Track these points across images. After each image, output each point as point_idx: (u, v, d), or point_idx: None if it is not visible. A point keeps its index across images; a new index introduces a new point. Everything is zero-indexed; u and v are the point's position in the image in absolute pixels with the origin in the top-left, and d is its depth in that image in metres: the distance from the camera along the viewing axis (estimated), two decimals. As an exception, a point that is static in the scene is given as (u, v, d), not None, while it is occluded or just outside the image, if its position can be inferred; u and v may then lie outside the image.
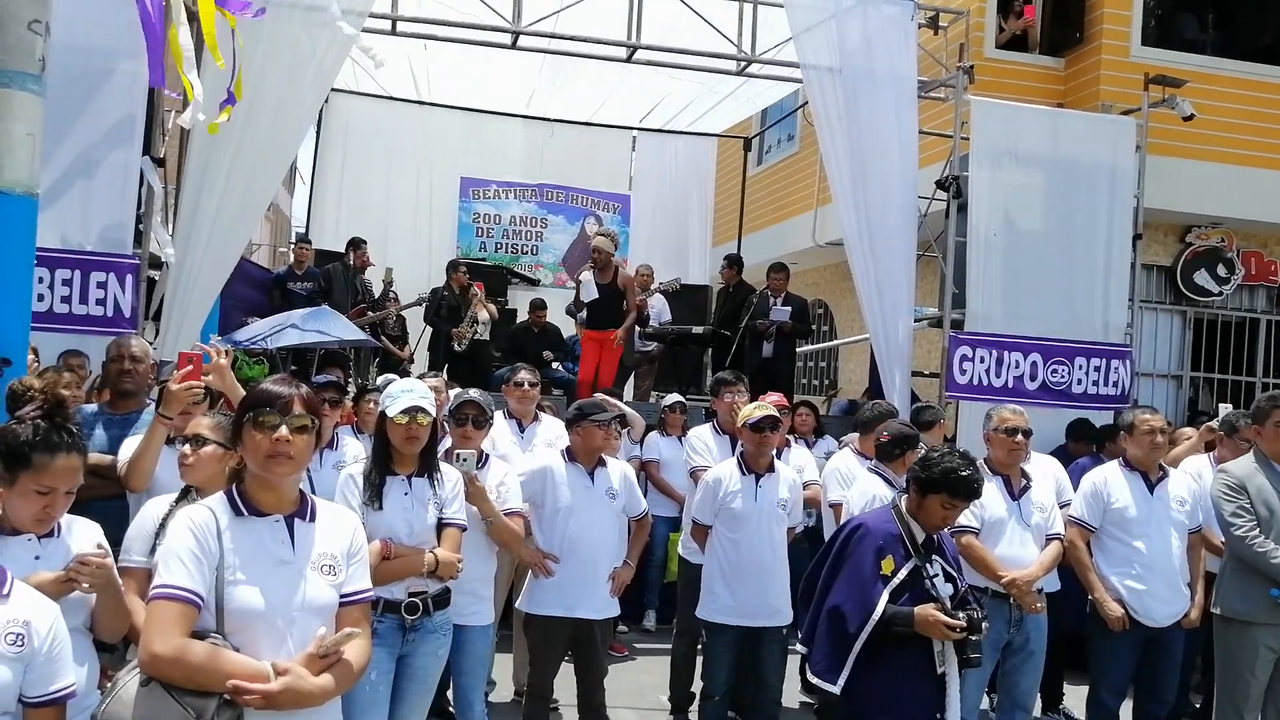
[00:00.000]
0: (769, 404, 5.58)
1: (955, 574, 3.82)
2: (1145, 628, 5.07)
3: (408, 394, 3.75)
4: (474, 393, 4.50)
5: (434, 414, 3.77)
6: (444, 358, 9.84)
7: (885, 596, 3.68)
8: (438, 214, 13.00)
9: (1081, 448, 7.72)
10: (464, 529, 3.85)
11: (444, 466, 3.89)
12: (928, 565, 3.75)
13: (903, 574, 3.72)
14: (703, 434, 6.47)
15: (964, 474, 3.70)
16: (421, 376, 6.41)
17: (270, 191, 7.47)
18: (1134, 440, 5.24)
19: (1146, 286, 10.62)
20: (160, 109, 7.11)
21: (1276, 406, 4.93)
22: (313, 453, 2.63)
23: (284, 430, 2.50)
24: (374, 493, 3.68)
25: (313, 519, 2.60)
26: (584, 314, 9.25)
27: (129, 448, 3.99)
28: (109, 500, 3.89)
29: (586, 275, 8.94)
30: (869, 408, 6.07)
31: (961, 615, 3.63)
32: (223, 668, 2.33)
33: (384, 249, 11.83)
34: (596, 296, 8.92)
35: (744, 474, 5.21)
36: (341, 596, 2.57)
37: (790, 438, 6.93)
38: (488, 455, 4.47)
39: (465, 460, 4.10)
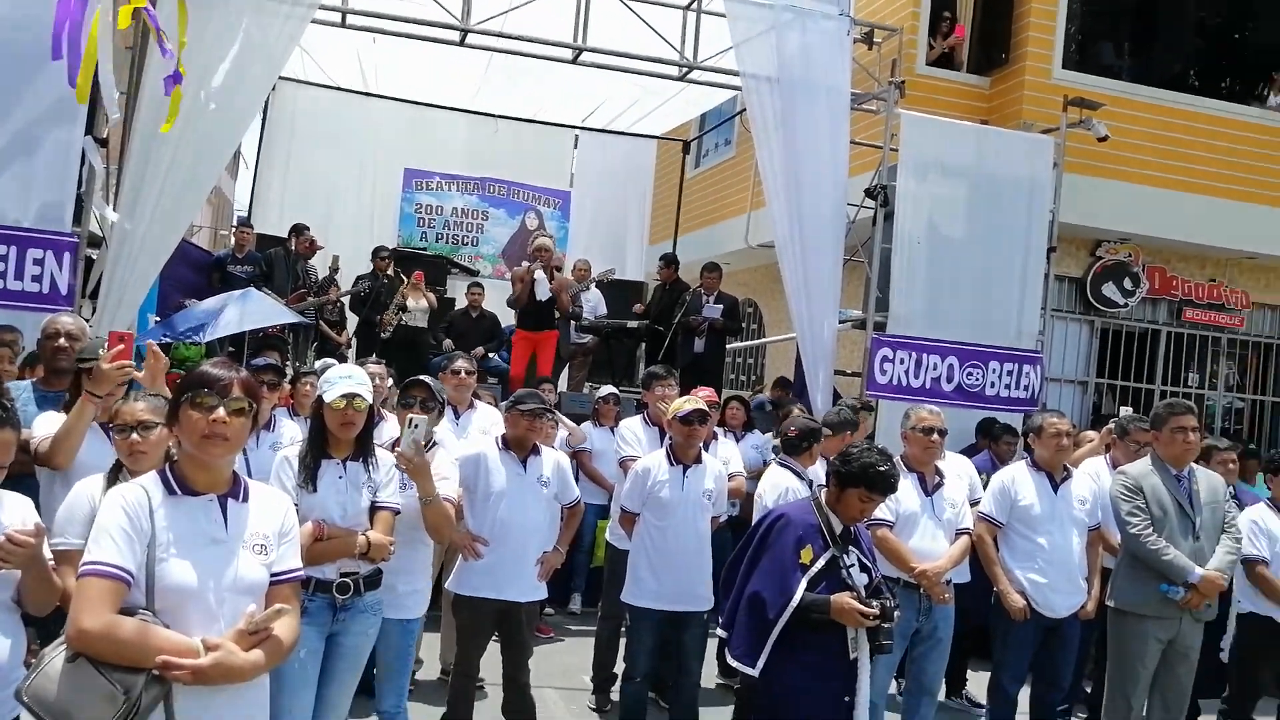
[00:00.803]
0: (699, 398, 5.63)
1: (870, 565, 3.89)
2: (1045, 618, 5.20)
3: (345, 380, 3.70)
4: (427, 377, 4.49)
5: (370, 400, 3.74)
6: (373, 345, 9.78)
7: (803, 584, 3.72)
8: (380, 203, 12.88)
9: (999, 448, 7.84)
10: (397, 513, 3.81)
11: (380, 452, 3.85)
12: (844, 555, 3.81)
13: (820, 563, 3.77)
14: (633, 425, 6.50)
15: (881, 469, 3.77)
16: (363, 363, 6.35)
17: (214, 176, 7.31)
18: (1041, 442, 5.36)
19: (1058, 296, 10.89)
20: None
21: (1174, 414, 5.08)
22: (249, 435, 2.61)
23: (221, 412, 2.48)
24: (308, 475, 3.64)
25: (245, 499, 2.58)
26: (513, 299, 9.27)
27: (42, 425, 3.87)
28: (20, 477, 3.78)
29: (540, 274, 8.93)
30: (836, 411, 6.14)
31: (875, 604, 3.70)
32: (152, 643, 2.30)
33: (326, 236, 11.63)
34: (550, 296, 8.94)
35: (672, 464, 5.25)
36: (272, 575, 2.55)
37: (718, 430, 6.99)
38: (435, 441, 4.40)
39: (417, 427, 3.90)
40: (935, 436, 5.13)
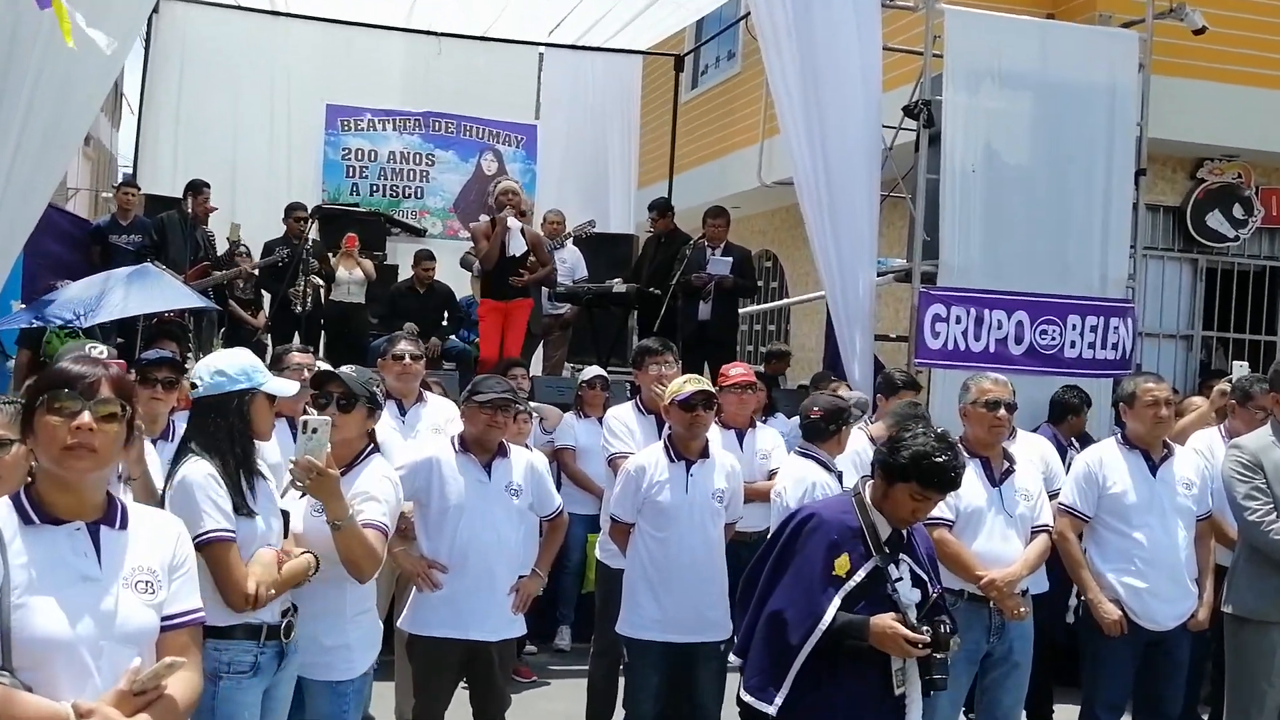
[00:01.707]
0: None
1: (927, 578, 3.87)
2: (1146, 631, 5.20)
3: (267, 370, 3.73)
4: (345, 369, 4.41)
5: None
6: (289, 326, 9.79)
7: (837, 602, 3.70)
8: (299, 150, 12.82)
9: (1070, 424, 7.81)
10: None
11: (264, 446, 3.87)
12: (892, 567, 3.79)
13: (860, 576, 3.74)
14: (623, 414, 6.47)
15: (939, 460, 3.72)
16: (285, 350, 6.31)
17: (84, 123, 7.27)
18: (1135, 413, 5.35)
19: (1151, 231, 10.88)
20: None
21: (1302, 370, 5.07)
22: (123, 446, 2.59)
23: (86, 417, 2.46)
24: (241, 496, 3.60)
25: (124, 525, 2.57)
26: (479, 268, 9.20)
27: None
28: None
29: (513, 222, 8.87)
30: (891, 374, 6.16)
31: (926, 628, 3.68)
32: (12, 713, 2.29)
33: (232, 194, 11.62)
34: (526, 248, 8.88)
35: (672, 461, 5.22)
36: (163, 619, 2.54)
37: (759, 418, 6.98)
38: (375, 446, 4.35)
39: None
40: (1002, 412, 5.11)
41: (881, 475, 3.85)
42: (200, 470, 3.52)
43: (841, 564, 3.75)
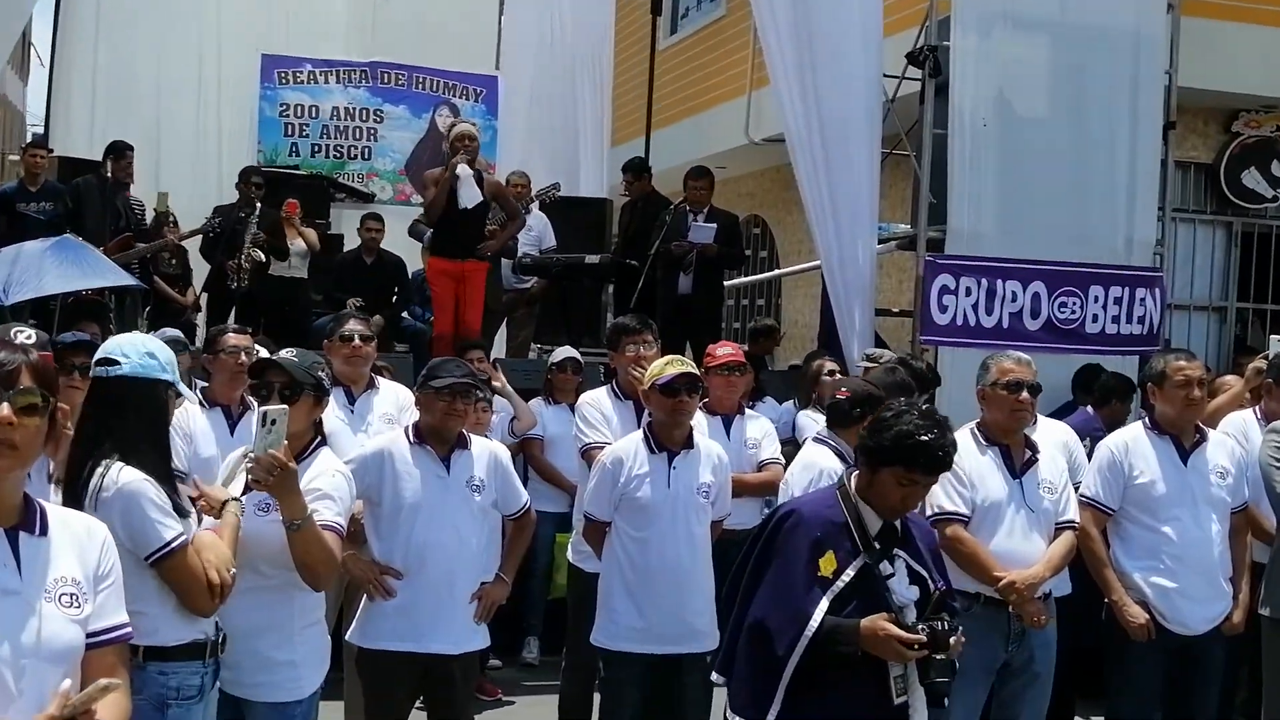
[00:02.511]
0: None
1: (926, 572, 3.88)
2: (1176, 636, 5.24)
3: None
4: (287, 353, 4.40)
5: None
6: (228, 304, 9.72)
7: (824, 605, 3.69)
8: (230, 106, 12.81)
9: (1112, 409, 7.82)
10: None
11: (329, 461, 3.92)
12: (885, 562, 3.80)
13: (849, 575, 3.74)
14: (598, 400, 6.46)
15: (923, 439, 3.71)
16: (221, 331, 6.29)
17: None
18: (1164, 394, 5.37)
19: (1182, 191, 10.91)
20: None
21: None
22: (45, 441, 2.59)
23: (5, 410, 2.45)
24: (175, 495, 3.58)
25: (44, 532, 2.56)
26: (430, 238, 9.06)
27: None
28: None
29: (464, 170, 8.75)
30: (886, 366, 6.17)
31: (922, 627, 3.69)
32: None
33: (156, 157, 11.57)
34: (481, 199, 8.76)
35: (653, 452, 5.22)
36: (89, 635, 2.54)
37: (747, 403, 6.96)
38: (321, 439, 4.36)
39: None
40: (1025, 395, 5.12)
41: (864, 461, 3.85)
42: (135, 475, 3.45)
43: (827, 563, 3.74)
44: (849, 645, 3.69)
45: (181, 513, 3.51)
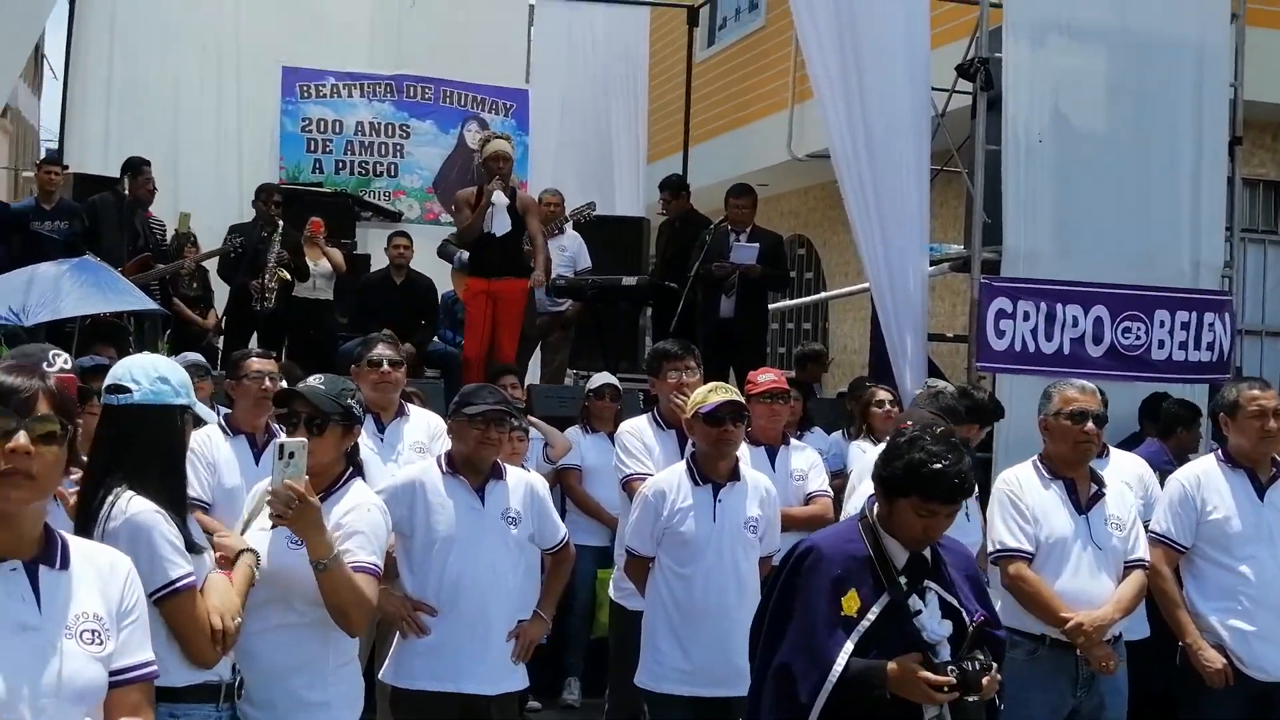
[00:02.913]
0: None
1: (964, 604, 3.82)
2: (1255, 682, 5.17)
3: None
4: (315, 380, 4.36)
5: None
6: (249, 327, 9.76)
7: (849, 647, 3.65)
8: (251, 121, 12.85)
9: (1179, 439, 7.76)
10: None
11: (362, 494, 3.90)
12: (915, 597, 3.75)
13: (874, 613, 3.70)
14: (639, 429, 6.45)
15: (937, 467, 3.65)
16: (243, 355, 6.30)
17: (2, 92, 7.26)
18: (1238, 426, 5.31)
19: (1250, 210, 10.86)
20: None
21: None
22: (64, 470, 2.60)
23: (21, 438, 2.44)
24: (186, 529, 3.55)
25: (65, 565, 2.56)
26: (464, 255, 9.08)
27: None
28: None
29: (499, 196, 8.79)
30: (929, 392, 6.14)
31: (952, 667, 3.63)
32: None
33: (174, 174, 11.62)
34: (510, 228, 8.79)
35: (697, 484, 5.22)
36: (111, 674, 2.54)
37: (793, 433, 6.94)
38: (354, 470, 4.33)
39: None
40: (1090, 425, 5.09)
41: (881, 491, 3.82)
42: (146, 506, 3.43)
43: (849, 602, 3.71)
44: (878, 688, 3.64)
45: (193, 549, 3.48)
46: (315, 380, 4.33)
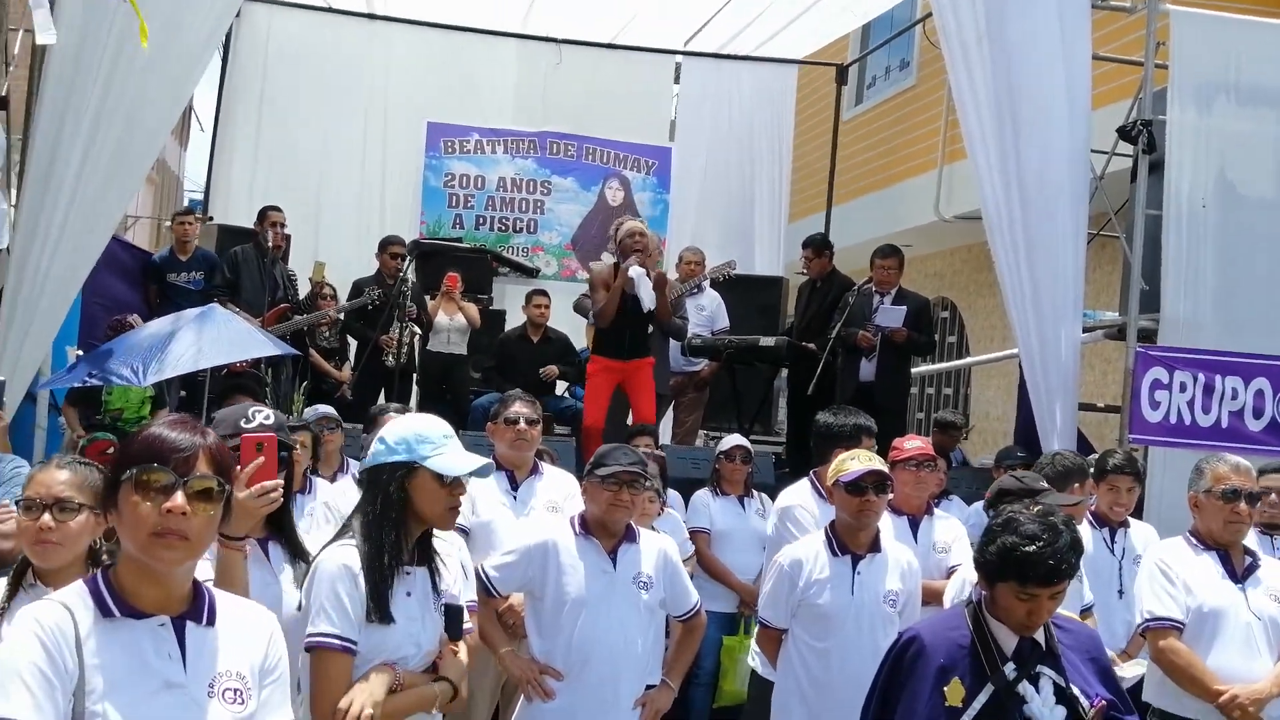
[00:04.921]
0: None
1: (1079, 688, 3.74)
2: None
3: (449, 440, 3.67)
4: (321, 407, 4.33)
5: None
6: (379, 381, 9.91)
7: None
8: (395, 176, 13.12)
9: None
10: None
11: (441, 544, 3.81)
12: (1025, 684, 3.69)
13: (979, 702, 3.66)
14: (804, 499, 6.36)
15: (1030, 550, 3.59)
16: (382, 410, 6.39)
17: (156, 143, 7.51)
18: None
19: None
20: (3, 29, 7.18)
21: None
22: (217, 529, 2.63)
23: (179, 498, 2.49)
24: (378, 598, 3.54)
25: (211, 621, 2.59)
26: (594, 313, 9.07)
27: None
28: None
29: (637, 270, 8.80)
30: (1050, 458, 6.09)
31: None
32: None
33: (316, 227, 11.92)
34: (654, 306, 8.79)
35: (835, 555, 5.18)
36: (250, 732, 2.57)
37: (934, 501, 6.85)
38: (466, 529, 4.37)
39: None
40: (1243, 505, 5.04)
41: (982, 577, 3.78)
42: (335, 560, 3.54)
43: (954, 692, 3.68)
44: None
45: (376, 618, 3.48)
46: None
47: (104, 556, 3.19)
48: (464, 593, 3.93)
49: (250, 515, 3.46)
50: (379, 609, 3.49)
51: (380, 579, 3.51)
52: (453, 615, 3.73)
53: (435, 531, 3.85)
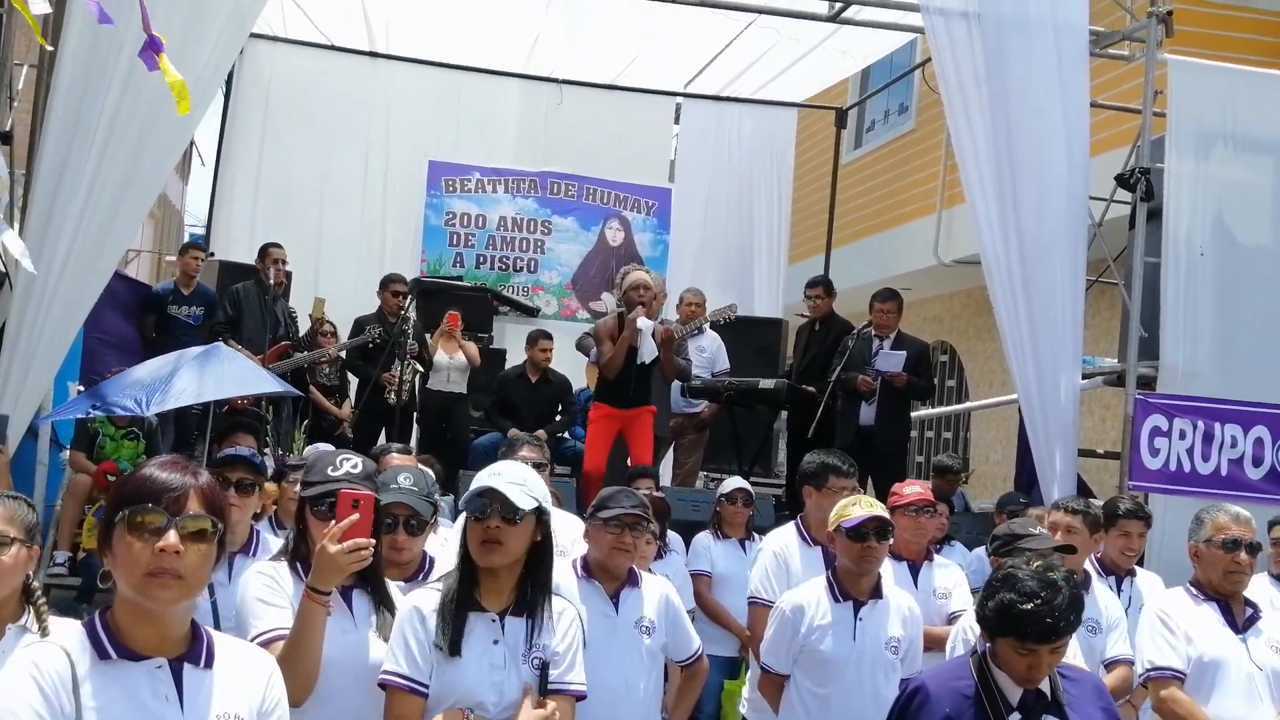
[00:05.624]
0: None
1: None
2: None
3: (496, 476, 3.67)
4: (405, 480, 4.28)
5: (545, 505, 3.71)
6: (380, 420, 9.89)
7: None
8: (396, 214, 13.13)
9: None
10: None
11: (559, 602, 3.79)
12: None
13: None
14: (786, 545, 6.33)
15: (1027, 609, 3.61)
16: (384, 450, 6.35)
17: (160, 179, 7.55)
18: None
19: None
20: (8, 64, 7.20)
21: None
22: (212, 569, 2.63)
23: (172, 537, 2.49)
24: (453, 632, 3.55)
25: (209, 663, 2.59)
26: (597, 354, 9.08)
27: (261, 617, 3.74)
28: None
29: (644, 322, 8.81)
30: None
31: None
32: None
33: (316, 264, 11.90)
34: (658, 355, 8.81)
35: (837, 601, 5.14)
36: (250, 776, 2.56)
37: (935, 546, 6.84)
38: (432, 560, 4.35)
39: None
40: (1243, 555, 5.02)
41: (983, 629, 3.81)
42: (409, 601, 3.61)
43: None
44: None
45: (448, 651, 3.51)
46: (405, 480, 4.28)
47: (37, 593, 3.21)
48: (572, 664, 3.77)
49: (340, 571, 3.48)
50: (456, 643, 3.53)
51: (446, 616, 3.55)
52: (546, 671, 3.67)
53: (555, 592, 3.87)
